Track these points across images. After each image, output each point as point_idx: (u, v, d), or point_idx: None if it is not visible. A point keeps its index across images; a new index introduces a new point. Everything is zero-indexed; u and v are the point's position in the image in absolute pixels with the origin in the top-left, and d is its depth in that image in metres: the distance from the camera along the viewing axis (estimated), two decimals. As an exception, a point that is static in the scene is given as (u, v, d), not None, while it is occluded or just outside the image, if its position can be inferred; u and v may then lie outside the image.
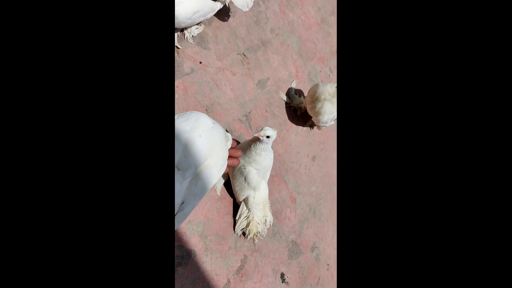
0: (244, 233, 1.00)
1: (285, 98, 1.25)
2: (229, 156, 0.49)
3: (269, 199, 1.04)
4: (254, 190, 0.92)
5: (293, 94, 1.26)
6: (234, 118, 1.06)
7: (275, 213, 1.15)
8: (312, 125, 1.34)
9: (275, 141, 1.19)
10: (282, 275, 1.13)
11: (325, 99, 1.09)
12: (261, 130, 0.84)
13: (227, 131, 1.05)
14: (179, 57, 0.95)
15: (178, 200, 0.40)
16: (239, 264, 0.99)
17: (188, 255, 0.88)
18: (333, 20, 1.56)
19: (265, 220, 1.01)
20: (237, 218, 0.99)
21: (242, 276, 1.00)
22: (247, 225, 0.98)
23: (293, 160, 1.23)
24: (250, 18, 1.16)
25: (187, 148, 0.40)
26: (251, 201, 0.94)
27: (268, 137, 0.85)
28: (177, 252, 0.86)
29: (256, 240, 1.02)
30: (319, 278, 1.19)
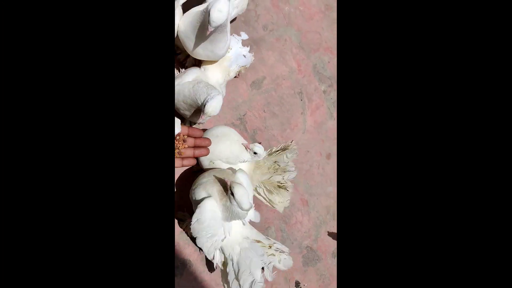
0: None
1: None
2: (195, 146, 0.46)
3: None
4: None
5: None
6: (227, 122, 1.04)
7: (284, 218, 1.08)
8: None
9: (277, 143, 1.13)
10: (297, 283, 1.06)
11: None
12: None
13: None
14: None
15: None
16: (241, 273, 0.95)
17: (183, 264, 0.87)
18: (340, 4, 1.45)
19: (283, 171, 0.89)
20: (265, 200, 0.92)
21: (246, 286, 0.96)
22: (271, 202, 0.91)
23: (301, 160, 1.15)
24: (237, 18, 1.14)
25: None
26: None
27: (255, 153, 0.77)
28: (170, 262, 0.86)
29: (290, 190, 0.91)
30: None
